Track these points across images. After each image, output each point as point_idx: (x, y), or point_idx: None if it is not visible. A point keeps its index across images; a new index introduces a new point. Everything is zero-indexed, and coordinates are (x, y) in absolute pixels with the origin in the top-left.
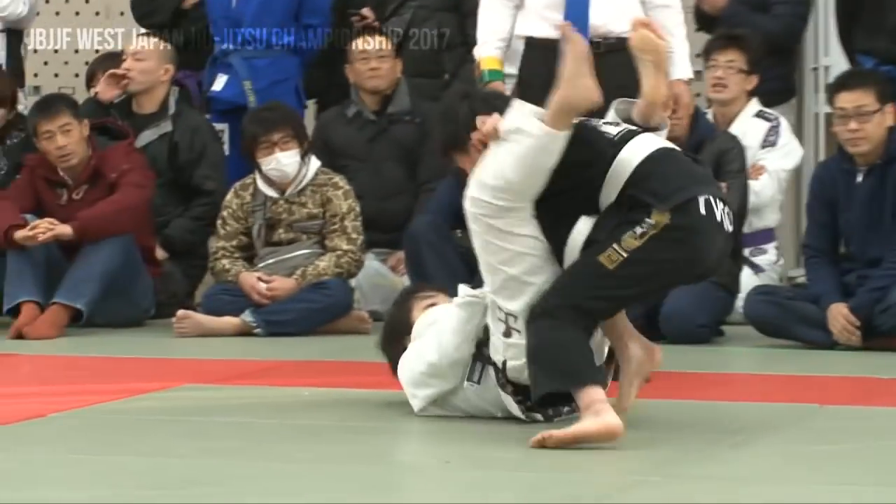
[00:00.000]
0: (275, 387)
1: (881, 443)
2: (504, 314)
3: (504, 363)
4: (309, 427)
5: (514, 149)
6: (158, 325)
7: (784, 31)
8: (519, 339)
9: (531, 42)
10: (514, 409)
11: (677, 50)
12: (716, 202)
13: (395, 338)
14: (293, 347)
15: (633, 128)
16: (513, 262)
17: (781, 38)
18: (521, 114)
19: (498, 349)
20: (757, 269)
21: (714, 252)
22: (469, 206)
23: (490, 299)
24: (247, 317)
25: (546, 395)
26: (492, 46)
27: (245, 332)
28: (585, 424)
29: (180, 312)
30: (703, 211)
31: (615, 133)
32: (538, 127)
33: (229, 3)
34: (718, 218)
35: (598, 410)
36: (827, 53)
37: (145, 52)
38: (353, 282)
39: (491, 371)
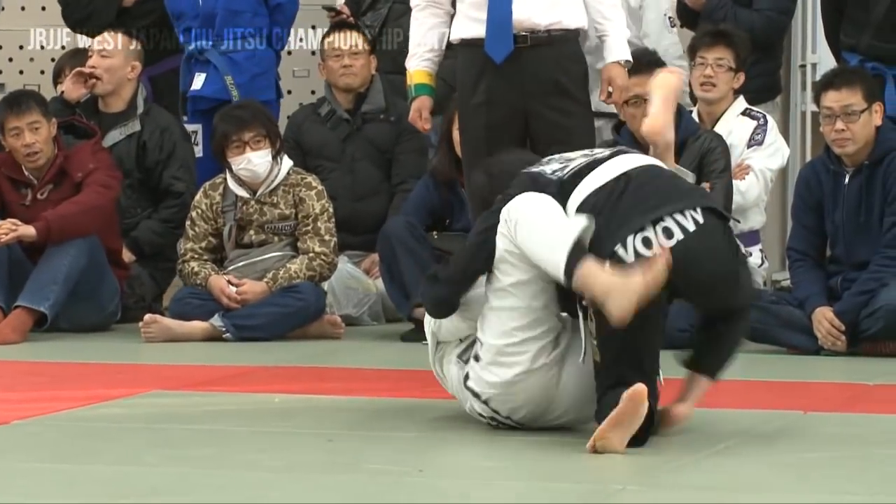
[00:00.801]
0: (245, 393)
1: (868, 450)
2: (475, 338)
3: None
4: (280, 434)
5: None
6: (125, 330)
7: (767, 25)
8: (476, 366)
9: (462, 43)
10: (476, 405)
11: (612, 33)
12: (627, 244)
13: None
14: (264, 353)
15: (579, 164)
16: (499, 296)
17: (764, 34)
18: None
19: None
20: None
21: None
22: (501, 223)
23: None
24: (216, 321)
25: None
26: (420, 59)
27: (214, 337)
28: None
29: (148, 317)
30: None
31: (562, 175)
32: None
33: (196, 2)
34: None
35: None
36: (815, 50)
37: (111, 49)
38: (325, 285)
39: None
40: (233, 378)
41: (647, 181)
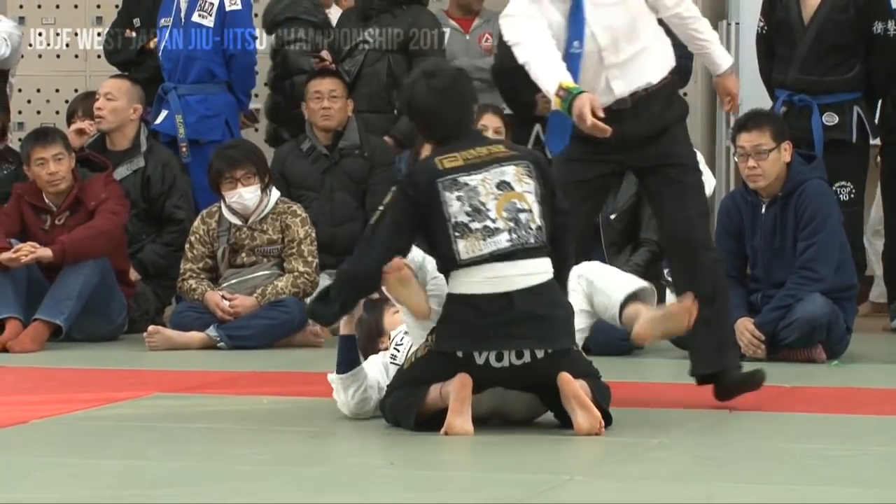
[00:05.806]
0: (237, 395)
1: (786, 445)
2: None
3: None
4: (267, 432)
5: None
6: (131, 340)
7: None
8: None
9: None
10: None
11: (711, 48)
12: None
13: (372, 340)
14: (253, 360)
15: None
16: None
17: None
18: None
19: None
20: None
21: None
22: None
23: None
24: (211, 332)
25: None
26: (560, 72)
27: (210, 346)
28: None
29: (151, 328)
30: (479, 362)
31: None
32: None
33: (171, 44)
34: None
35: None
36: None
37: (116, 93)
38: (308, 300)
39: None
40: (226, 382)
41: (532, 309)
